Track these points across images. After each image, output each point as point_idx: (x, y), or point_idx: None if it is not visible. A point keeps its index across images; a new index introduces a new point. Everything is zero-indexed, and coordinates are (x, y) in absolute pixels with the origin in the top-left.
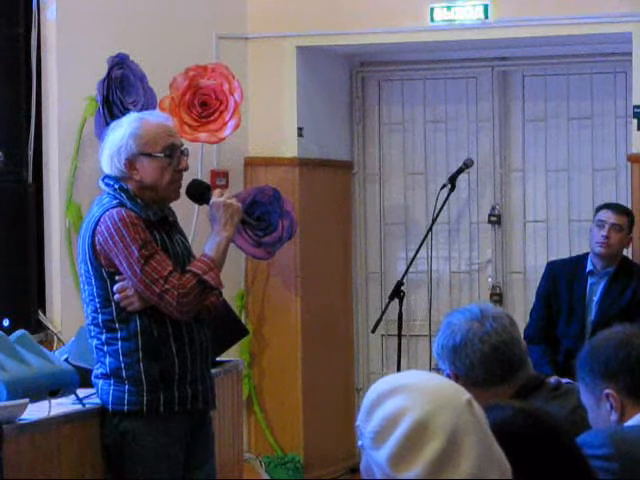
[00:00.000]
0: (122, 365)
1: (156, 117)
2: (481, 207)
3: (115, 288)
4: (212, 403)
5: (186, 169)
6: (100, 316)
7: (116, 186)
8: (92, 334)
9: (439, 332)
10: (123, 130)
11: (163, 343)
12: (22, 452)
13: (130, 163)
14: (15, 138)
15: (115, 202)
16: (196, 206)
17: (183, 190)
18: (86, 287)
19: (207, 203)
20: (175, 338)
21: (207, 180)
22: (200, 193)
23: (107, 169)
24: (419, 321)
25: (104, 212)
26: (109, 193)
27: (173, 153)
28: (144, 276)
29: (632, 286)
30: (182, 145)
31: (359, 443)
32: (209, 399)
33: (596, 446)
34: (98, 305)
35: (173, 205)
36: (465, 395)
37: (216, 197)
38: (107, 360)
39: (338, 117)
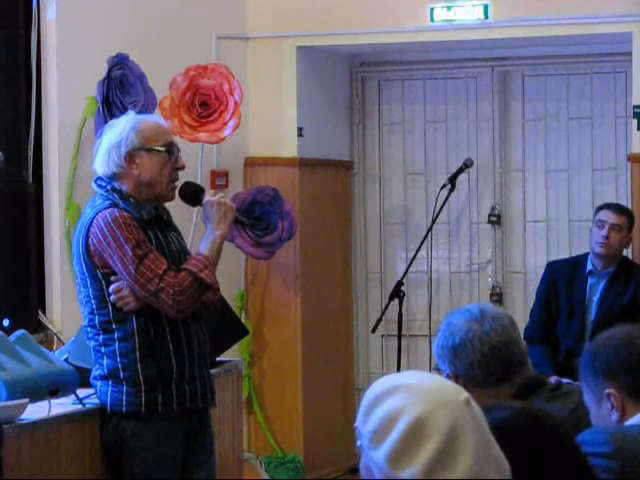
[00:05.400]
0: (119, 366)
1: (154, 118)
2: (481, 207)
3: (111, 289)
4: (212, 401)
5: (183, 168)
6: (97, 317)
7: (108, 187)
8: (89, 336)
9: (439, 332)
10: (123, 126)
11: (160, 343)
12: (22, 452)
13: (130, 157)
14: (15, 138)
15: (108, 203)
16: (195, 208)
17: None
18: (82, 289)
19: (200, 204)
20: (172, 337)
21: (207, 180)
22: (194, 194)
23: (102, 167)
24: (419, 321)
25: (97, 213)
26: (102, 194)
27: (172, 150)
28: (139, 276)
29: (632, 286)
30: (178, 146)
31: (358, 443)
32: (208, 398)
33: (597, 444)
34: (94, 306)
35: (172, 207)
36: (463, 394)
37: (209, 196)
38: (105, 361)
39: (338, 117)
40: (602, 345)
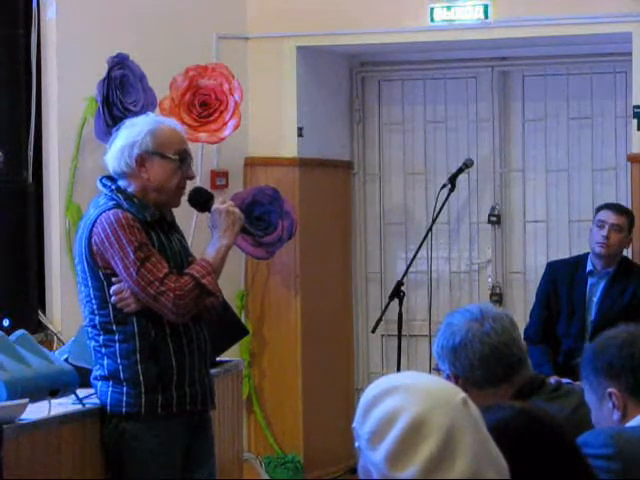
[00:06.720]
0: (120, 367)
1: (172, 123)
2: (481, 207)
3: (112, 290)
4: (212, 403)
5: (193, 178)
6: (97, 318)
7: (113, 187)
8: (90, 336)
9: (439, 332)
10: (140, 127)
11: (161, 344)
12: (22, 452)
13: (142, 159)
14: (15, 138)
15: (111, 203)
16: (195, 210)
17: (183, 196)
18: (83, 288)
19: (209, 211)
20: (173, 339)
21: (207, 180)
22: (203, 201)
23: (112, 163)
24: (419, 321)
25: (100, 213)
26: (106, 194)
27: (184, 159)
28: (139, 278)
29: (632, 286)
30: (191, 155)
31: (356, 444)
32: (208, 400)
33: (598, 446)
34: (95, 307)
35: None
36: (460, 394)
37: (218, 204)
38: (105, 362)
39: (338, 117)
40: (604, 344)
